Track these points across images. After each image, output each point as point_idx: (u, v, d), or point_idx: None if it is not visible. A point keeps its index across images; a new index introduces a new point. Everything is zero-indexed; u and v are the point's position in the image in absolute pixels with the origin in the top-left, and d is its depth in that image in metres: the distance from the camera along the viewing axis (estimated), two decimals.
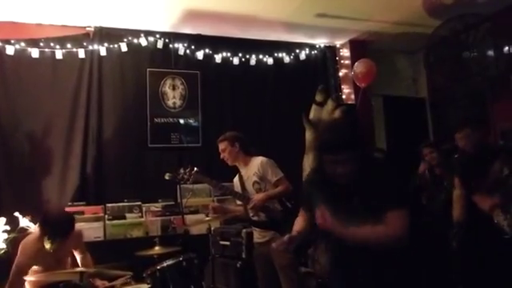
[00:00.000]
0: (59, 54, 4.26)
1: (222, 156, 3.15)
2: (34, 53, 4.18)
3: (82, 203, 4.05)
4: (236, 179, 3.21)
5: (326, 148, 1.62)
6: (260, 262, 3.10)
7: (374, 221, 1.55)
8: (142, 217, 4.13)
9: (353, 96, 5.26)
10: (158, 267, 2.76)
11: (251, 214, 3.08)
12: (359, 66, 4.90)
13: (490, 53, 4.58)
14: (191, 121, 4.73)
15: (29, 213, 3.58)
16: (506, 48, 4.63)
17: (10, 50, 4.10)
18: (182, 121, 4.70)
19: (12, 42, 4.13)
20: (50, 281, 2.61)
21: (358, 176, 1.60)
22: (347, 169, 1.59)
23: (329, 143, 1.62)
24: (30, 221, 3.50)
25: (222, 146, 3.13)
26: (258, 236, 3.10)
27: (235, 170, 3.23)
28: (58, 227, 2.60)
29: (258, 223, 3.07)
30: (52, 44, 4.26)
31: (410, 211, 1.58)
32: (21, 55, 4.15)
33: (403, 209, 1.57)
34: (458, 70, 4.86)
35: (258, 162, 3.08)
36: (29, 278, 2.58)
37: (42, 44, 4.23)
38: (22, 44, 4.16)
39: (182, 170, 3.03)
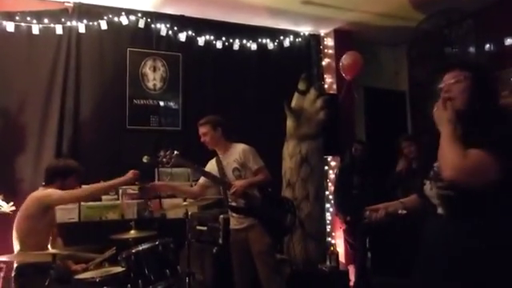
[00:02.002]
0: (36, 29, 4.11)
1: (202, 139, 3.11)
2: (9, 26, 4.02)
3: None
4: (213, 164, 3.17)
5: None
6: (236, 249, 3.11)
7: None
8: (118, 199, 4.08)
9: (335, 86, 5.28)
10: (133, 251, 2.73)
11: (229, 200, 3.08)
12: (347, 58, 4.90)
13: (472, 49, 4.65)
14: (171, 104, 4.66)
15: (1, 192, 3.50)
16: (488, 45, 4.71)
17: None
18: (161, 103, 4.62)
19: None
20: (22, 261, 2.56)
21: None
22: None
23: None
24: (3, 200, 3.41)
25: (203, 130, 3.10)
26: (236, 222, 3.10)
27: (214, 155, 3.21)
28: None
29: (236, 209, 3.07)
30: (28, 18, 4.10)
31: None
32: None
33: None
34: (439, 66, 4.92)
35: (239, 148, 3.07)
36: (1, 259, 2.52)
37: (17, 18, 4.07)
38: None
39: (162, 153, 2.98)
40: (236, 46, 4.97)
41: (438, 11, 4.64)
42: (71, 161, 3.08)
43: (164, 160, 2.98)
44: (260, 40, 5.08)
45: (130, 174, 2.90)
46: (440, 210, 1.63)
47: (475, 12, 4.61)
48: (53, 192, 2.72)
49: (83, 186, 3.16)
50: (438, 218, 1.63)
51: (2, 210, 3.33)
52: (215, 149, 3.16)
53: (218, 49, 4.87)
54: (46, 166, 2.97)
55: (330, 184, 5.12)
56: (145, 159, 3.06)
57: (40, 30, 4.13)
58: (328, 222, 4.98)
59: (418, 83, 5.54)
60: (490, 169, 1.42)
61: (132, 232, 3.03)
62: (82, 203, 3.85)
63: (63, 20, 4.24)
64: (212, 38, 4.85)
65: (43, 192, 2.75)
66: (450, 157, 1.49)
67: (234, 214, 3.11)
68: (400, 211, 1.90)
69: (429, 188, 1.67)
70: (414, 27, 4.86)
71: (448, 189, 1.56)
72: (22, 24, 4.08)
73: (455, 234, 1.55)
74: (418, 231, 1.78)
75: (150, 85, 4.60)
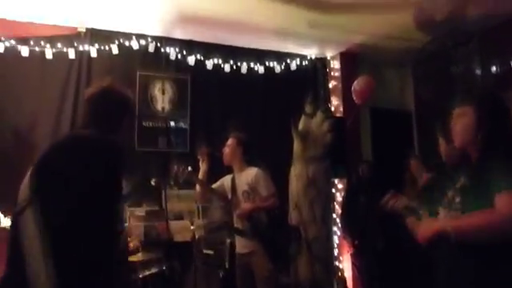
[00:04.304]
0: (49, 54, 4.21)
1: (223, 149, 3.17)
2: (24, 51, 4.13)
3: None
4: (227, 180, 3.21)
5: None
6: (241, 273, 3.10)
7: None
8: (125, 221, 4.10)
9: (341, 108, 5.30)
10: (140, 276, 2.74)
11: (235, 222, 3.09)
12: (360, 83, 4.91)
13: (478, 71, 4.67)
14: (179, 126, 4.72)
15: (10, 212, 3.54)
16: (493, 67, 4.73)
17: None
18: (170, 125, 4.68)
19: (2, 39, 4.08)
20: None
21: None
22: None
23: None
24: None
25: (230, 141, 3.17)
26: (241, 246, 3.10)
27: (219, 178, 3.24)
28: None
29: (241, 232, 3.08)
30: (42, 43, 4.22)
31: None
32: (10, 53, 4.09)
33: None
34: (445, 86, 4.94)
35: (253, 172, 3.11)
36: None
37: (32, 43, 4.19)
38: (12, 42, 4.11)
39: (175, 168, 3.02)
40: (244, 70, 5.04)
41: (445, 32, 4.67)
42: None
43: (178, 175, 3.01)
44: (267, 63, 5.15)
45: None
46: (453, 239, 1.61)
47: (481, 33, 4.64)
48: None
49: None
50: (451, 246, 1.61)
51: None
52: (230, 164, 3.19)
53: (226, 72, 4.95)
54: None
55: (337, 207, 5.10)
56: (153, 182, 3.10)
57: (53, 54, 4.23)
58: (335, 245, 4.94)
59: (424, 102, 5.56)
60: None
61: (139, 255, 3.05)
62: None
63: (76, 44, 4.35)
64: (220, 61, 4.93)
65: None
66: (482, 224, 1.45)
67: (239, 237, 3.12)
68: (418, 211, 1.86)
69: (443, 216, 1.65)
70: (420, 48, 4.90)
71: None
72: (36, 49, 4.19)
73: (470, 263, 1.54)
74: (429, 258, 1.77)
75: (159, 107, 4.67)
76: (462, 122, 1.63)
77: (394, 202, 1.88)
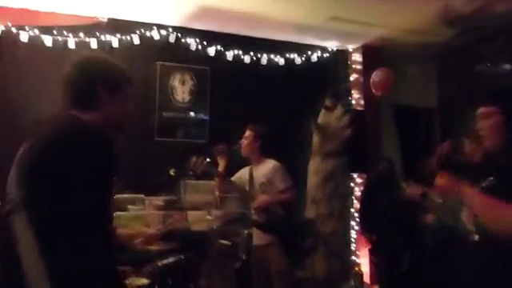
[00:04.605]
0: (72, 43, 4.26)
1: (241, 141, 3.18)
2: (48, 40, 4.19)
3: None
4: (246, 171, 3.22)
5: None
6: (256, 265, 3.11)
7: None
8: (143, 210, 4.14)
9: (362, 101, 5.23)
10: (159, 264, 2.76)
11: (253, 213, 3.09)
12: (378, 74, 4.86)
13: (506, 67, 4.54)
14: (199, 117, 4.73)
15: None
16: None
17: (24, 37, 4.10)
18: (189, 116, 4.70)
19: (26, 28, 4.14)
20: None
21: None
22: None
23: None
24: None
25: (247, 133, 3.18)
26: (257, 238, 3.11)
27: (239, 169, 3.25)
28: None
29: (258, 224, 3.08)
30: (65, 32, 4.27)
31: None
32: (34, 42, 4.15)
33: None
34: (470, 83, 4.82)
35: (270, 165, 3.11)
36: None
37: (55, 32, 4.24)
38: (36, 31, 4.17)
39: (194, 159, 3.03)
40: (263, 61, 5.01)
41: (471, 27, 4.55)
42: None
43: (195, 166, 3.02)
44: (287, 55, 5.11)
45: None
46: (476, 238, 1.58)
47: (508, 29, 4.50)
48: None
49: None
50: (472, 245, 1.59)
51: None
52: (248, 157, 3.20)
53: (246, 63, 4.93)
54: None
55: (355, 201, 5.05)
56: (172, 172, 3.11)
57: (76, 43, 4.28)
58: (353, 240, 4.90)
59: (447, 99, 5.44)
60: None
61: (155, 244, 3.06)
62: None
63: (97, 34, 4.38)
64: (240, 52, 4.91)
65: None
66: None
67: (255, 229, 3.12)
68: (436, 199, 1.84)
69: (466, 215, 1.63)
70: (444, 43, 4.78)
71: None
72: (59, 38, 4.24)
73: (492, 262, 1.51)
74: (449, 256, 1.74)
75: (179, 98, 4.69)
76: (488, 122, 1.60)
77: (412, 190, 1.88)
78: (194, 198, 4.12)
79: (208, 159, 3.07)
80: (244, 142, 3.18)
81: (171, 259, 2.80)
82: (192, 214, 4.07)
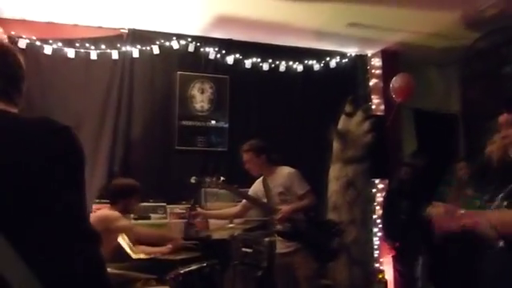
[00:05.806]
0: (94, 55, 4.35)
1: (246, 166, 3.16)
2: (70, 53, 4.29)
3: (107, 201, 4.11)
4: (260, 183, 3.20)
5: None
6: (281, 273, 3.09)
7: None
8: (166, 218, 4.17)
9: (382, 107, 5.18)
10: (182, 271, 2.77)
11: (275, 224, 3.08)
12: (398, 80, 4.80)
13: None
14: (218, 125, 4.76)
15: None
16: None
17: (47, 50, 4.21)
18: (209, 124, 4.73)
19: (50, 41, 4.25)
20: None
21: None
22: None
23: None
24: None
25: (246, 157, 3.15)
26: (282, 246, 3.09)
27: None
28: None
29: (282, 233, 3.06)
30: (87, 44, 4.36)
31: None
32: (57, 55, 4.26)
33: None
34: (496, 86, 4.71)
35: (284, 172, 3.09)
36: None
37: (77, 44, 4.34)
38: (59, 44, 4.27)
39: (208, 179, 3.05)
40: (282, 68, 5.01)
41: (496, 29, 4.45)
42: (131, 180, 3.15)
43: (211, 186, 3.04)
44: (306, 61, 5.10)
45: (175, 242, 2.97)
46: (501, 243, 1.54)
47: None
48: (119, 217, 2.82)
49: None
50: (498, 251, 1.55)
51: None
52: (259, 174, 3.19)
53: (265, 71, 4.93)
54: (110, 185, 3.06)
55: (377, 207, 4.98)
56: (193, 180, 3.14)
57: (97, 55, 4.37)
58: (376, 247, 4.83)
59: (471, 104, 5.32)
60: None
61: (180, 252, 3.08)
62: (132, 221, 3.97)
63: (118, 45, 4.46)
64: (259, 60, 4.92)
65: (111, 214, 2.85)
66: None
67: (279, 238, 3.11)
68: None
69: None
70: (468, 46, 4.69)
71: None
72: (82, 50, 4.34)
73: None
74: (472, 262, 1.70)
75: (198, 106, 4.73)
76: None
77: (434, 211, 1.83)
78: (215, 206, 4.14)
79: (222, 178, 3.09)
80: (247, 165, 3.16)
81: (194, 267, 2.81)
82: (213, 222, 4.09)
